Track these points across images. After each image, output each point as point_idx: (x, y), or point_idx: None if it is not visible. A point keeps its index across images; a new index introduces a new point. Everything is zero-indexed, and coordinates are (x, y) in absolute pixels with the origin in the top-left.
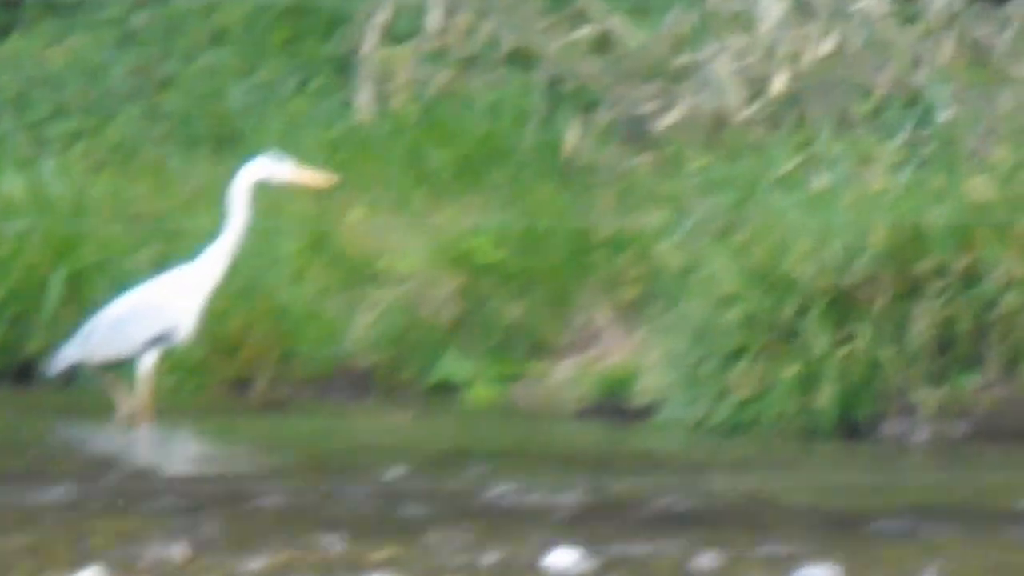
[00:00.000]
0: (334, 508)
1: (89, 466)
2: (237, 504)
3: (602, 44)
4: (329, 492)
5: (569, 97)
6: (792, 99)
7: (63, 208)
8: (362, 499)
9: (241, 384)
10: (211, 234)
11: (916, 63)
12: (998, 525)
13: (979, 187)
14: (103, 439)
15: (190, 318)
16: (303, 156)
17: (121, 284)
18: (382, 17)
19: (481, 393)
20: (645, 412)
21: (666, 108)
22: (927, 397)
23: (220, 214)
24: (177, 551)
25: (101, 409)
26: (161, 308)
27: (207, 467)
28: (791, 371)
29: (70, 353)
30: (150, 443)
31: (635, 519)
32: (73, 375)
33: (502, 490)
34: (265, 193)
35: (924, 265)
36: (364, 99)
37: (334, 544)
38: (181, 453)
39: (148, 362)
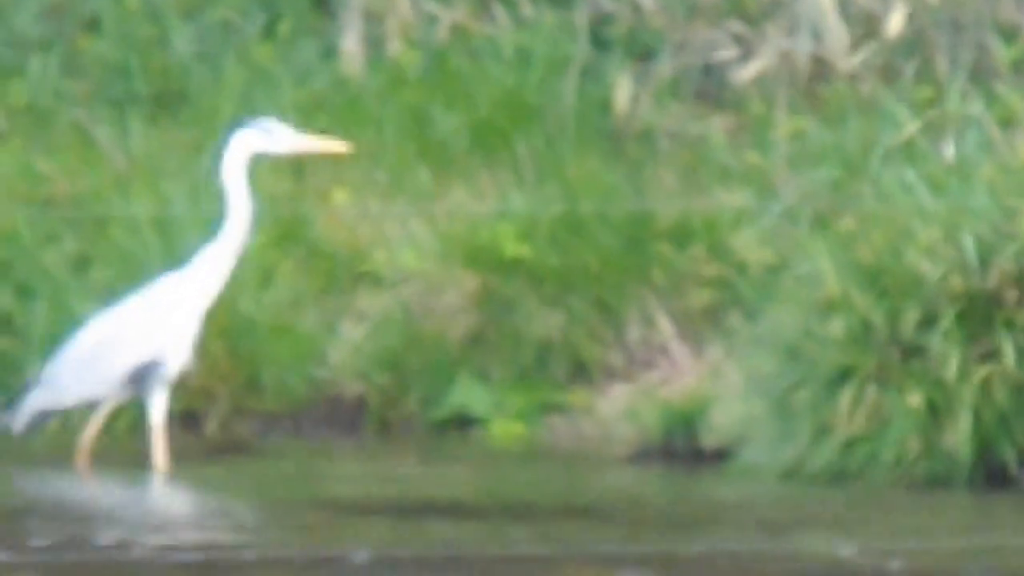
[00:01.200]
0: None
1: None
2: None
3: None
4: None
5: (619, 41)
6: (913, 43)
7: None
8: None
9: (189, 419)
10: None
11: None
12: None
13: None
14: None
15: (183, 342)
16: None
17: (28, 286)
18: None
19: (505, 430)
20: (722, 454)
21: (747, 55)
22: None
23: (162, 197)
24: None
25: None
26: (145, 331)
27: (140, 534)
28: (914, 399)
29: (36, 400)
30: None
31: None
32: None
33: (530, 561)
34: (218, 171)
35: None
36: (351, 44)
37: None
38: (108, 511)
39: (159, 407)
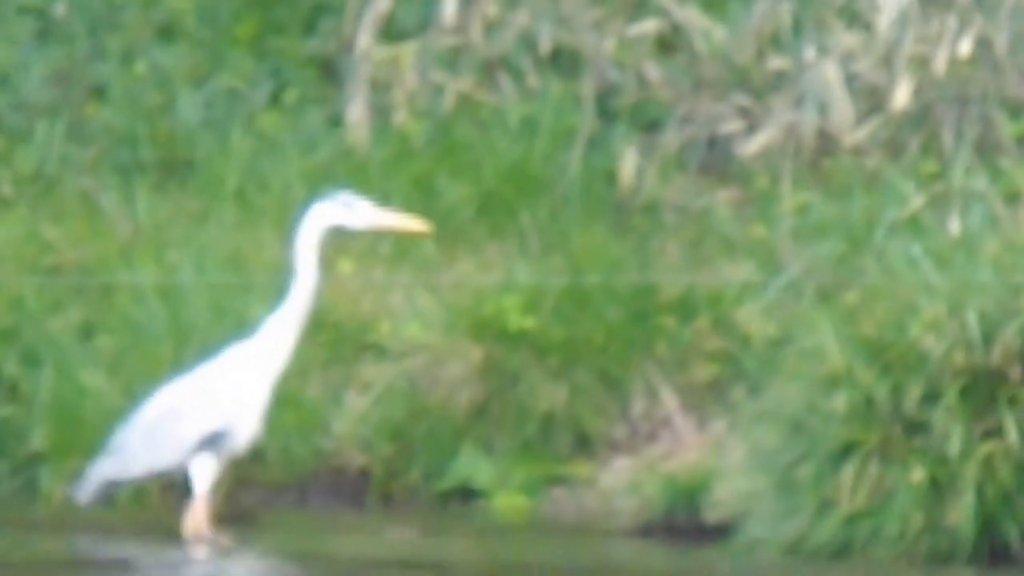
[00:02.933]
0: None
1: None
2: None
3: (670, 44)
4: None
5: (625, 112)
6: (918, 117)
7: None
8: None
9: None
10: (165, 292)
11: None
12: None
13: None
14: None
15: (252, 413)
16: (276, 187)
17: (34, 353)
18: (380, 5)
19: (508, 502)
20: (725, 529)
21: (752, 128)
22: None
23: (167, 266)
24: None
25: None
26: (213, 401)
27: None
28: (917, 475)
29: (102, 470)
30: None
31: None
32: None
33: None
34: (224, 239)
35: None
36: (357, 113)
37: None
38: None
39: (203, 473)
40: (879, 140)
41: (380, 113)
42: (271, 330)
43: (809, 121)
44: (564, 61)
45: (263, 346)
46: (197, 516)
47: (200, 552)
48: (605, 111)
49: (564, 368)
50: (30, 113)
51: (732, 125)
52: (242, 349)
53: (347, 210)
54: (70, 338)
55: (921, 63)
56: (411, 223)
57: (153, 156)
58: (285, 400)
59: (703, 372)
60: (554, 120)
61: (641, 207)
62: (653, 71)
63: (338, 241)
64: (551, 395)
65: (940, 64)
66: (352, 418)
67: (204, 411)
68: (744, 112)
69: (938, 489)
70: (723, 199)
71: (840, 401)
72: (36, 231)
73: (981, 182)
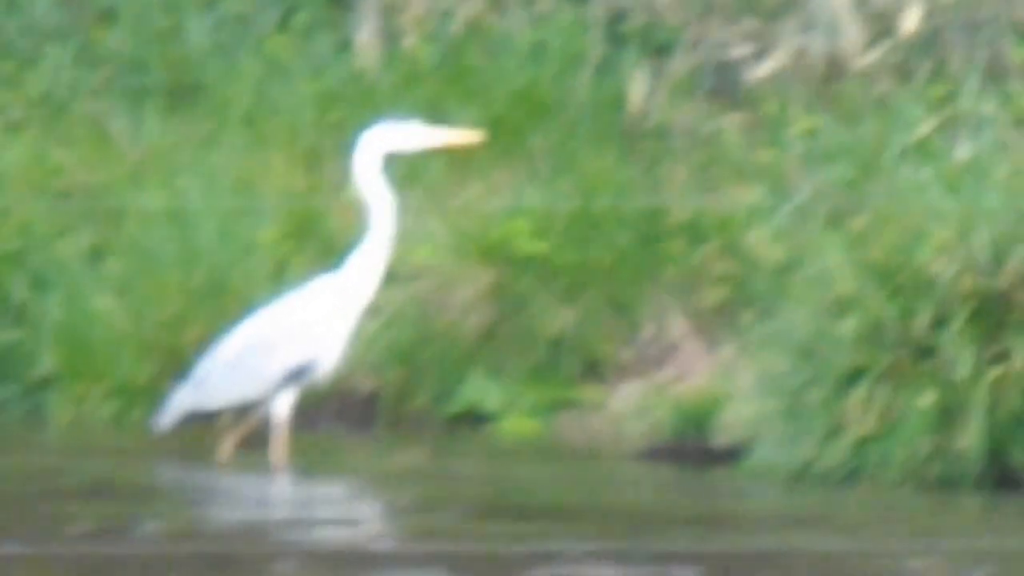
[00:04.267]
0: None
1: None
2: None
3: None
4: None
5: (635, 37)
6: (927, 40)
7: None
8: None
9: (200, 411)
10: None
11: None
12: None
13: None
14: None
15: (336, 345)
16: (285, 111)
17: (43, 277)
18: None
19: (517, 426)
20: (733, 453)
21: (762, 52)
22: None
23: (176, 189)
24: None
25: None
26: (299, 333)
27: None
28: (926, 400)
29: (182, 400)
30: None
31: None
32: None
33: (544, 562)
34: (233, 164)
35: None
36: (366, 37)
37: None
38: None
39: (285, 404)
40: (888, 65)
41: (389, 37)
42: (357, 262)
43: (818, 46)
44: None
45: (350, 278)
46: (279, 446)
47: (281, 480)
48: (614, 36)
49: (573, 292)
50: (39, 37)
51: (741, 50)
52: (329, 281)
53: (399, 133)
54: (78, 262)
55: None
56: (464, 135)
57: (162, 80)
58: None
59: (712, 296)
60: (563, 44)
61: (650, 131)
62: None
63: (347, 165)
64: (560, 319)
65: None
66: (361, 342)
67: (291, 344)
68: (753, 37)
69: (946, 414)
70: (732, 123)
71: (849, 326)
72: (45, 155)
73: (990, 107)
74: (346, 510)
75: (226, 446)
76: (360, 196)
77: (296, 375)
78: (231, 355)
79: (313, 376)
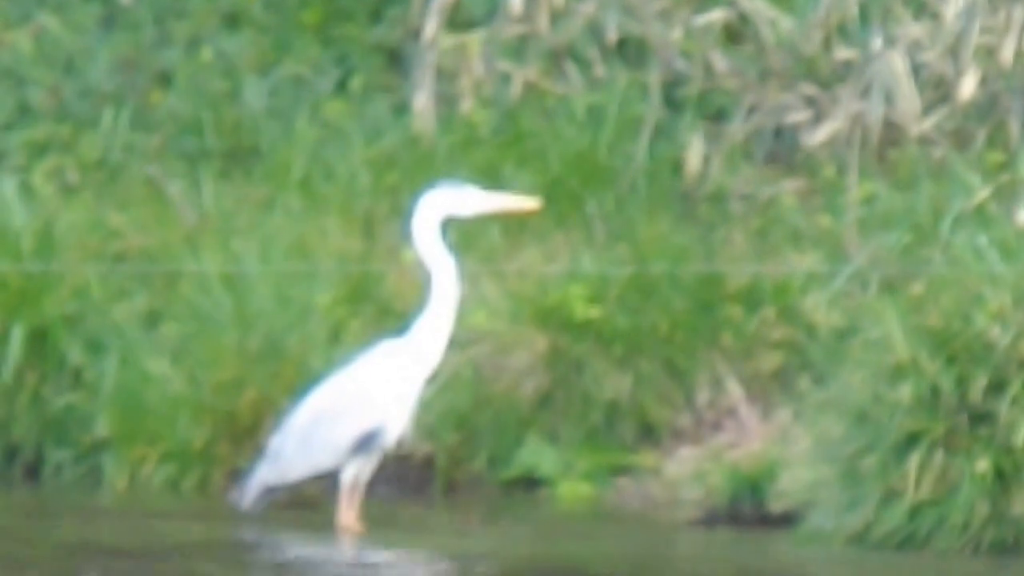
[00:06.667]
0: None
1: None
2: None
3: (736, 33)
4: None
5: (692, 102)
6: (985, 107)
7: (25, 243)
8: None
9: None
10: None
11: None
12: None
13: None
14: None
15: (403, 411)
16: (341, 175)
17: (99, 341)
18: None
19: (573, 491)
20: (789, 519)
21: (819, 118)
22: None
23: (232, 253)
24: None
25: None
26: (366, 401)
27: None
28: (982, 465)
29: (261, 476)
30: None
31: None
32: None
33: None
34: (289, 228)
35: None
36: (423, 101)
37: None
38: None
39: (351, 471)
40: (945, 130)
41: (446, 101)
42: (423, 327)
43: (875, 111)
44: (631, 50)
45: (415, 344)
46: (347, 514)
47: (346, 547)
48: (671, 100)
49: (629, 357)
50: (96, 100)
51: (798, 115)
52: (394, 347)
53: (457, 197)
54: (134, 326)
55: (988, 53)
56: (521, 202)
57: (218, 144)
58: None
59: (768, 361)
60: (620, 109)
61: (707, 196)
62: (720, 60)
63: (404, 229)
64: (616, 384)
65: (1007, 54)
66: (417, 406)
67: (358, 412)
68: (810, 102)
69: (1003, 479)
70: (789, 189)
71: (905, 391)
72: (101, 218)
73: None
74: (406, 573)
75: (348, 517)
76: (420, 260)
77: (365, 443)
78: (301, 427)
79: (382, 443)
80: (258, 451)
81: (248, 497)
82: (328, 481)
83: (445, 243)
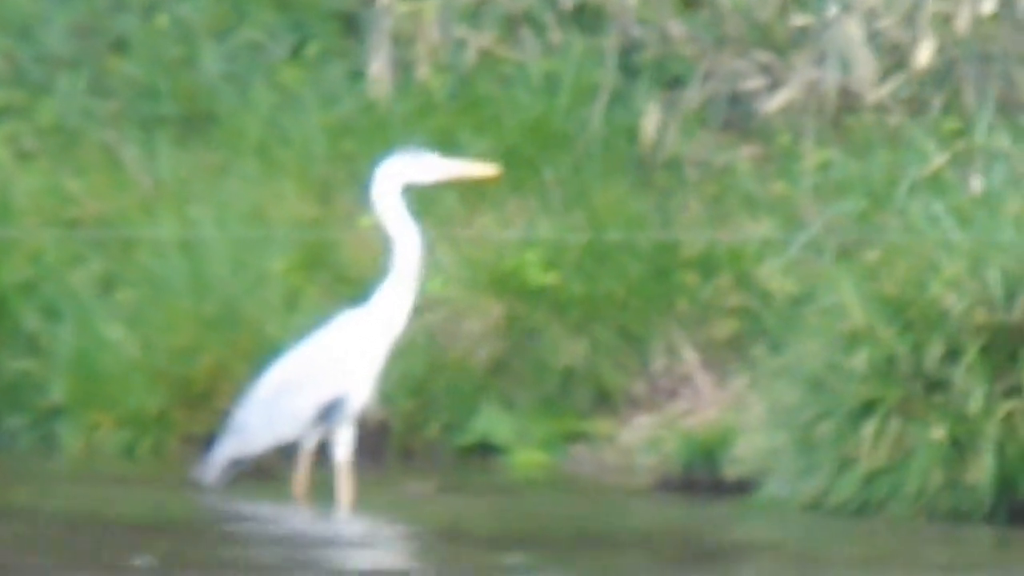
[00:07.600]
0: None
1: None
2: None
3: (692, 0)
4: None
5: (648, 69)
6: (941, 74)
7: None
8: None
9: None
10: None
11: None
12: None
13: None
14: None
15: (367, 380)
16: (298, 141)
17: (54, 307)
18: None
19: (528, 459)
20: (743, 487)
21: (775, 85)
22: None
23: (188, 219)
24: None
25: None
26: (331, 369)
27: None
28: (937, 433)
29: (224, 450)
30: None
31: None
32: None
33: None
34: (245, 193)
35: None
36: (379, 68)
37: None
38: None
39: (346, 441)
40: (901, 98)
41: (402, 67)
42: (386, 294)
43: (831, 78)
44: (587, 16)
45: (378, 311)
46: (345, 487)
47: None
48: (627, 67)
49: (584, 324)
50: (52, 66)
51: (754, 82)
52: (356, 316)
53: (417, 164)
54: (90, 292)
55: (944, 21)
56: (481, 168)
57: (174, 109)
58: None
59: (724, 329)
60: (576, 76)
61: (663, 163)
62: (676, 27)
63: (359, 196)
64: (571, 351)
65: (963, 22)
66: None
67: (321, 381)
68: (766, 69)
69: (958, 447)
70: (745, 156)
71: (860, 359)
72: (57, 184)
73: (1003, 140)
74: (362, 538)
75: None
76: (383, 227)
77: (329, 411)
78: (264, 398)
79: (345, 411)
80: (220, 425)
81: (213, 472)
82: (288, 451)
83: (406, 210)
